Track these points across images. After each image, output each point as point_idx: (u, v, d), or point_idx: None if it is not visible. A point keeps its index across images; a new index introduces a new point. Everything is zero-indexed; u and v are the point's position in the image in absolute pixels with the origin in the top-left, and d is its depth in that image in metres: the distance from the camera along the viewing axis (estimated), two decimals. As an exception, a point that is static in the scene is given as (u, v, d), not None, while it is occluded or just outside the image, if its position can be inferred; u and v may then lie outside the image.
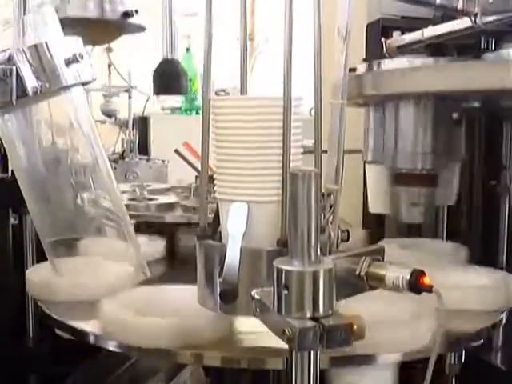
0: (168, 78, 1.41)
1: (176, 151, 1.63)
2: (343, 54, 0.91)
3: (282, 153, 0.75)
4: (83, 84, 0.93)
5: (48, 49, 0.86)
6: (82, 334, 0.84)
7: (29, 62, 0.85)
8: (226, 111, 0.78)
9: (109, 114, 2.99)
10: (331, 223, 0.85)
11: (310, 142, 0.84)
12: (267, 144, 0.75)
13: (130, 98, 2.80)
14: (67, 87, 0.89)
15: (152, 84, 1.44)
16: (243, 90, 0.86)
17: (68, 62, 0.88)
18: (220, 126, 0.79)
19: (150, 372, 1.35)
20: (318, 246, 0.62)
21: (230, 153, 0.77)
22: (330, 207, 0.87)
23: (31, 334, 1.40)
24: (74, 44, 0.91)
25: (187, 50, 3.14)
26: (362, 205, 1.53)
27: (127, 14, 1.46)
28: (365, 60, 1.26)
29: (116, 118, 2.99)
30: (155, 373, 1.34)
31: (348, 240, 0.89)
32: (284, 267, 0.62)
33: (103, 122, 2.92)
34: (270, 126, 0.75)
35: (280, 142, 0.75)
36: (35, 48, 0.86)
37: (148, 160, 2.71)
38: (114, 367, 1.38)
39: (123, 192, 1.45)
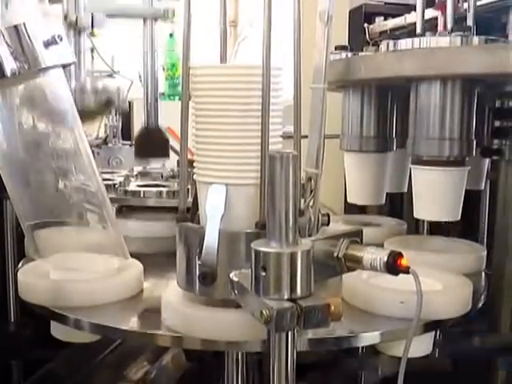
0: (149, 146, 1.41)
1: (159, 137, 1.62)
2: (324, 38, 0.91)
3: (261, 126, 0.74)
4: (63, 66, 0.92)
5: (26, 30, 0.85)
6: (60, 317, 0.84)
7: (7, 43, 0.84)
8: (204, 79, 0.78)
9: (92, 99, 2.96)
10: (311, 207, 0.86)
11: (291, 128, 0.84)
12: (247, 119, 0.75)
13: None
14: (46, 69, 0.88)
15: (134, 148, 1.44)
16: (223, 57, 0.86)
17: (47, 44, 0.87)
18: (199, 95, 0.78)
19: (132, 356, 1.35)
20: (296, 228, 0.63)
21: (208, 134, 0.77)
22: (311, 191, 0.87)
23: (12, 319, 1.39)
24: (53, 26, 0.90)
25: (170, 35, 3.13)
26: (344, 191, 1.54)
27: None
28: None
29: (99, 103, 2.97)
30: (137, 356, 1.34)
31: (328, 224, 0.89)
32: (262, 249, 0.62)
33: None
34: (250, 95, 0.75)
35: (260, 115, 0.74)
36: (13, 29, 0.85)
37: (131, 145, 2.69)
38: (96, 351, 1.38)
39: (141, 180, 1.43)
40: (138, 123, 2.93)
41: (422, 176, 1.05)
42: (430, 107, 1.01)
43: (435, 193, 1.04)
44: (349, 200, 1.26)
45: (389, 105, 1.23)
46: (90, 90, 1.46)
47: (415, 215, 1.08)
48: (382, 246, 1.09)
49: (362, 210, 1.47)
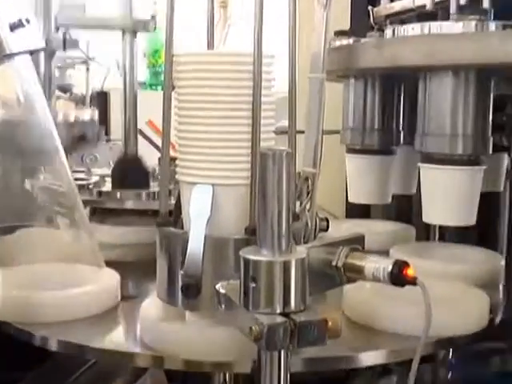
0: (126, 176, 1.42)
1: (139, 131, 1.62)
2: (323, 23, 0.92)
3: (252, 119, 0.74)
4: (31, 53, 0.92)
5: (-12, 11, 0.85)
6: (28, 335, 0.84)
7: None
8: (189, 68, 0.78)
9: (63, 88, 2.96)
10: (308, 211, 0.86)
11: (286, 123, 0.84)
12: (235, 112, 0.75)
13: (87, 70, 2.79)
14: (11, 55, 0.88)
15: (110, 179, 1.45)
16: (210, 44, 0.86)
17: (13, 27, 0.87)
18: (183, 85, 0.78)
19: (108, 377, 1.35)
20: (290, 234, 0.63)
21: (192, 129, 0.77)
22: (308, 193, 0.87)
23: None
24: (20, 7, 0.90)
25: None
26: (345, 192, 1.54)
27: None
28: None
29: (71, 93, 2.97)
30: (114, 378, 1.34)
31: (327, 229, 0.89)
32: (252, 257, 0.62)
33: (57, 98, 2.89)
34: (239, 86, 0.75)
35: (250, 108, 0.74)
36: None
37: (108, 140, 2.70)
38: (67, 373, 1.38)
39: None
40: (116, 116, 2.94)
41: (432, 175, 1.05)
42: (440, 100, 1.01)
43: (447, 194, 1.04)
44: (350, 199, 1.27)
45: (395, 96, 1.23)
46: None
47: (424, 219, 1.08)
48: (387, 253, 1.09)
49: (365, 213, 1.48)
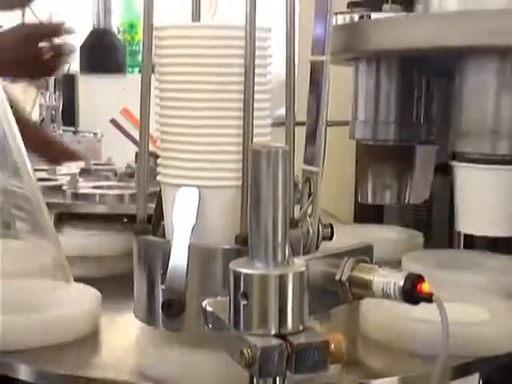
0: (98, 54, 1.39)
1: (112, 121, 1.63)
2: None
3: (244, 107, 0.75)
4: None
5: None
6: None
7: None
8: (171, 43, 0.79)
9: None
10: (309, 216, 0.87)
11: (284, 111, 0.86)
12: (225, 104, 0.76)
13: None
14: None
15: (78, 60, 1.41)
16: (195, 16, 0.87)
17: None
18: (164, 64, 0.79)
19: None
20: (288, 244, 0.64)
21: (175, 123, 0.78)
22: (309, 196, 0.88)
23: None
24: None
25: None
26: (354, 194, 1.56)
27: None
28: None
29: (32, 77, 2.97)
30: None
31: (332, 237, 0.90)
32: (243, 270, 0.63)
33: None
34: (229, 64, 0.76)
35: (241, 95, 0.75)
36: None
37: (75, 132, 2.70)
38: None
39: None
40: (84, 103, 2.95)
41: (469, 177, 1.06)
42: (481, 91, 1.01)
43: (486, 199, 1.05)
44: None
45: (415, 82, 1.24)
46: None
47: (457, 228, 1.09)
48: (399, 263, 1.11)
49: (377, 218, 1.49)
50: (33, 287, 0.96)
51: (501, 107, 1.01)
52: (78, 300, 0.93)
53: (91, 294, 0.95)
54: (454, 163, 1.07)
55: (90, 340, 0.88)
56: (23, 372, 0.80)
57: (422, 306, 0.67)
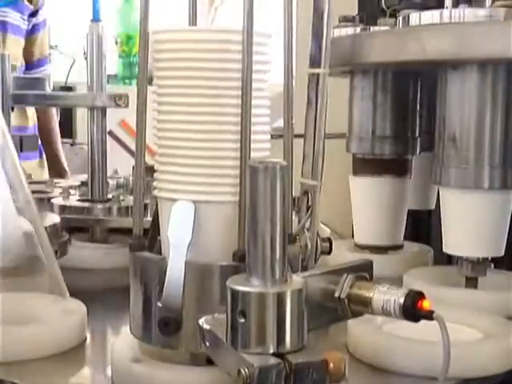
0: None
1: (109, 133, 1.63)
2: (326, 6, 0.92)
3: (241, 116, 0.74)
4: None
5: None
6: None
7: None
8: (166, 47, 0.78)
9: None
10: (308, 230, 0.86)
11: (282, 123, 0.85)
12: (222, 109, 0.75)
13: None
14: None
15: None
16: (192, 20, 0.86)
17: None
18: (161, 68, 0.78)
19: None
20: (286, 261, 0.63)
21: (172, 136, 0.78)
22: (308, 210, 0.87)
23: None
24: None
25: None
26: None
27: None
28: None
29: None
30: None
31: (330, 252, 0.90)
32: (240, 288, 0.62)
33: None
34: (226, 68, 0.75)
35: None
36: None
37: (73, 144, 2.70)
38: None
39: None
40: (82, 115, 2.94)
41: (453, 200, 1.06)
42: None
43: (472, 222, 1.05)
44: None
45: (411, 95, 1.24)
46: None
47: (444, 249, 1.09)
48: (400, 280, 1.10)
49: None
50: (24, 301, 0.96)
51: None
52: (63, 314, 0.93)
53: (77, 308, 0.95)
54: (440, 186, 1.08)
55: (75, 354, 0.89)
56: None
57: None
